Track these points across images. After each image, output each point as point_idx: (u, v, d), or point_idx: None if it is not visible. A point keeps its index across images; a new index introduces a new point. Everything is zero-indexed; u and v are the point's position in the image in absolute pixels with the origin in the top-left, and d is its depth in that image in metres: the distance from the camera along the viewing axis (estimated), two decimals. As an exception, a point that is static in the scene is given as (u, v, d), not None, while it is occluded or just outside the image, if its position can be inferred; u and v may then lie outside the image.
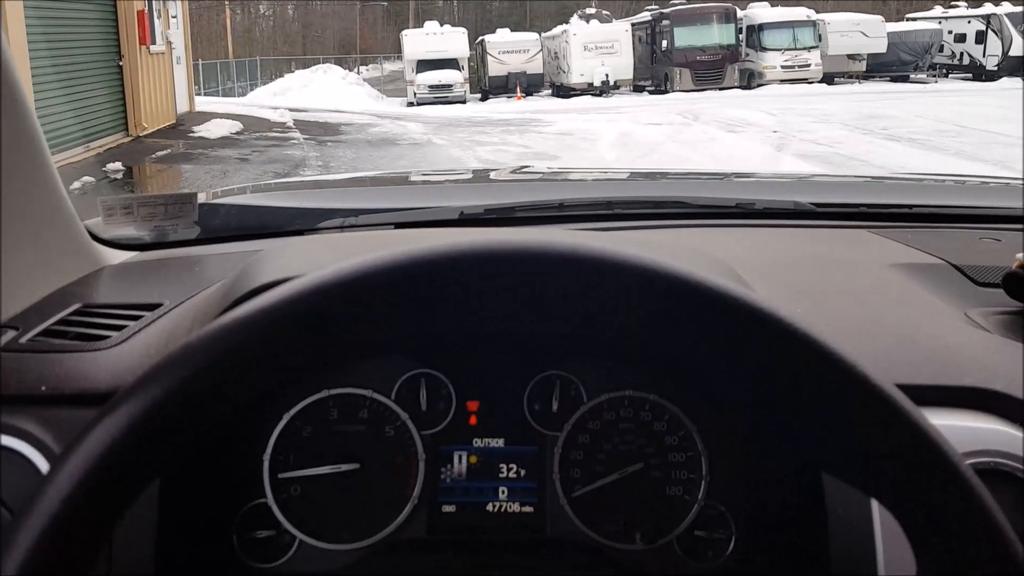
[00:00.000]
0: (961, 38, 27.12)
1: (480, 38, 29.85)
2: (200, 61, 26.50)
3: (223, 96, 26.34)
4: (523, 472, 0.91)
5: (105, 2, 12.67)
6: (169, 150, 12.25)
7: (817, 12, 27.07)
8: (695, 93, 23.78)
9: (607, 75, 25.55)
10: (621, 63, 25.99)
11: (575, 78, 25.71)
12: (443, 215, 1.32)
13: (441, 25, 29.90)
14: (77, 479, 0.44)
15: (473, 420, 0.92)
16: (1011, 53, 25.31)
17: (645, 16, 28.57)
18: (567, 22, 28.70)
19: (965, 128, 13.16)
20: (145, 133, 13.19)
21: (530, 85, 27.44)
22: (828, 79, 25.38)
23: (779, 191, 1.57)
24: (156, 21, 14.06)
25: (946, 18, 28.29)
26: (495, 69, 27.64)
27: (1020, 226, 1.29)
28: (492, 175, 1.96)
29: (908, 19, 30.19)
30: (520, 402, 0.92)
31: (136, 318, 0.94)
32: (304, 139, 13.75)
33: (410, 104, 25.62)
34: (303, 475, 0.89)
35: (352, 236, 1.24)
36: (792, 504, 0.81)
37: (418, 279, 0.48)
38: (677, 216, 1.34)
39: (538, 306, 0.51)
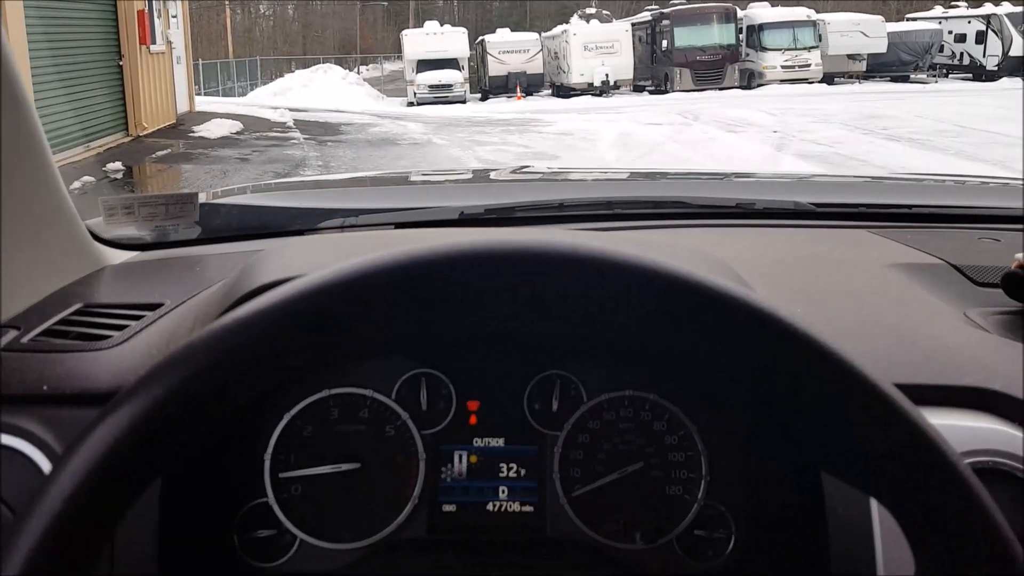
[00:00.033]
0: (961, 38, 27.12)
1: (480, 38, 29.85)
2: (200, 61, 26.51)
3: (223, 96, 26.34)
4: (523, 472, 0.92)
5: (105, 2, 12.67)
6: (169, 150, 12.25)
7: (817, 12, 27.06)
8: (695, 93, 23.77)
9: (607, 75, 25.54)
10: (621, 63, 25.98)
11: (575, 78, 25.70)
12: (443, 215, 1.32)
13: (441, 25, 29.88)
14: (79, 479, 0.44)
15: (473, 420, 0.92)
16: (1011, 53, 25.31)
17: (645, 16, 28.56)
18: (567, 22, 28.69)
19: (965, 128, 13.16)
20: (145, 133, 13.19)
21: (530, 85, 27.43)
22: (828, 79, 25.38)
23: (779, 191, 1.57)
24: (156, 21, 14.06)
25: (946, 18, 28.28)
26: (495, 69, 27.63)
27: (1019, 226, 1.29)
28: (492, 175, 1.96)
29: (908, 19, 30.18)
30: (520, 402, 0.92)
31: (137, 318, 0.94)
32: (304, 139, 13.75)
33: (410, 104, 25.61)
34: (304, 475, 0.89)
35: (352, 236, 1.24)
36: (792, 504, 0.81)
37: (419, 279, 0.49)
38: (677, 216, 1.35)
39: (538, 306, 0.51)
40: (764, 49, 25.54)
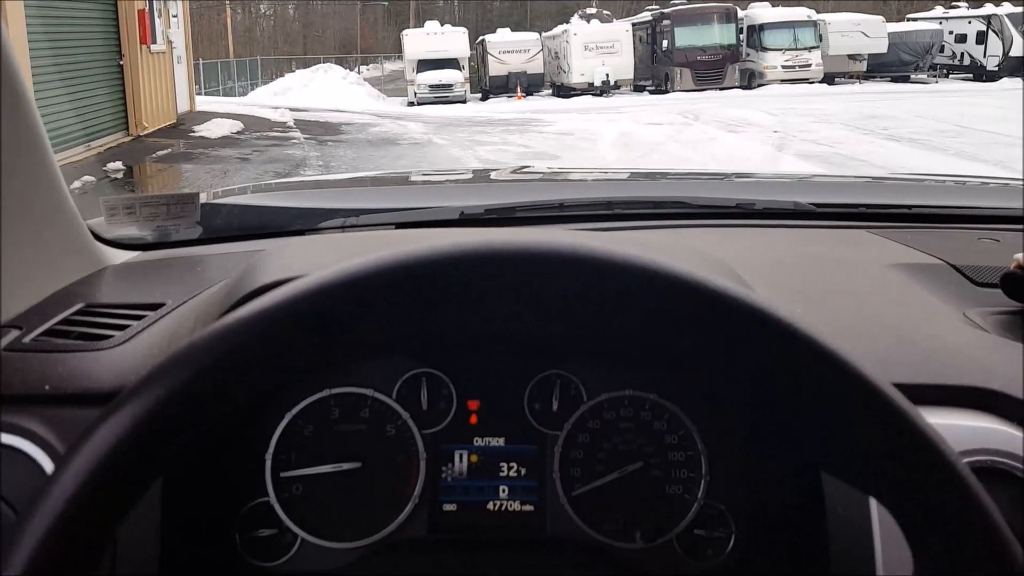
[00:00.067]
0: (962, 38, 27.11)
1: (480, 38, 29.84)
2: (201, 60, 26.49)
3: (224, 96, 26.34)
4: (523, 471, 0.92)
5: (106, 1, 12.67)
6: (170, 149, 12.25)
7: (818, 12, 27.05)
8: (696, 93, 23.77)
9: (607, 75, 25.54)
10: (622, 63, 25.98)
11: (576, 78, 25.70)
12: (444, 215, 1.32)
13: (442, 25, 29.86)
14: (82, 478, 0.44)
15: (474, 419, 0.92)
16: (1012, 53, 25.30)
17: (646, 16, 28.56)
18: (568, 22, 28.70)
19: (966, 128, 13.16)
20: (146, 132, 13.19)
21: (530, 85, 27.43)
22: (829, 79, 25.37)
23: (779, 191, 1.57)
24: (157, 20, 14.06)
25: (947, 18, 28.27)
26: (495, 69, 27.63)
27: (1019, 226, 1.29)
28: (492, 175, 1.97)
29: (909, 19, 30.17)
30: (520, 401, 0.93)
31: (139, 318, 0.94)
32: (305, 139, 13.75)
33: (410, 104, 25.60)
34: (305, 474, 0.89)
35: (353, 236, 1.24)
36: (791, 503, 0.82)
37: (420, 279, 0.49)
38: (677, 216, 1.35)
39: (538, 306, 0.51)
40: (765, 49, 25.54)
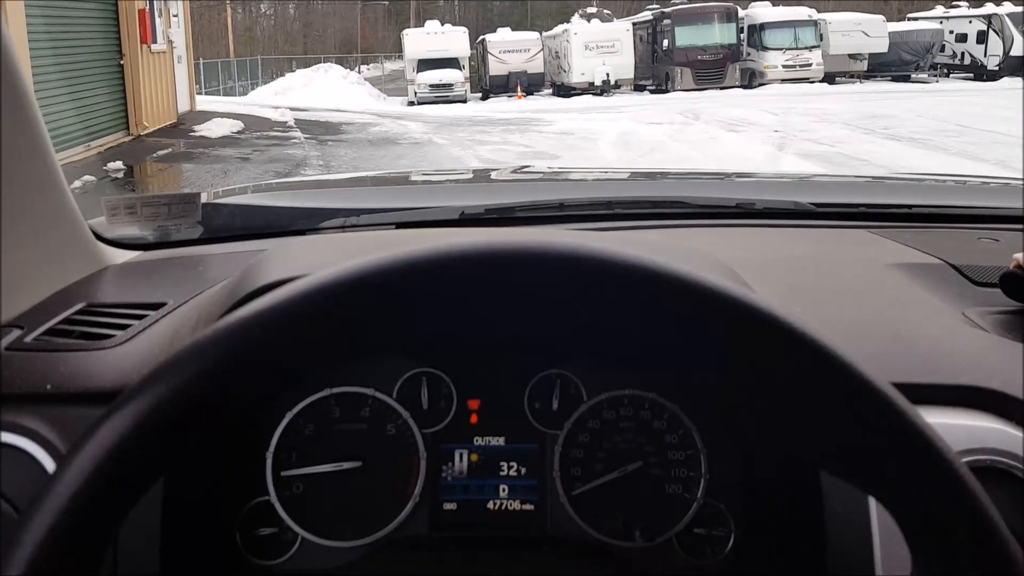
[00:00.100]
0: (962, 38, 27.09)
1: (481, 37, 29.83)
2: (201, 60, 26.47)
3: (224, 95, 26.32)
4: (523, 470, 0.92)
5: (106, 1, 12.67)
6: (170, 149, 12.25)
7: (818, 12, 27.04)
8: (696, 92, 23.75)
9: (608, 74, 25.53)
10: (622, 62, 25.97)
11: (576, 77, 25.69)
12: (444, 215, 1.32)
13: (442, 24, 29.86)
14: (84, 477, 0.44)
15: (474, 418, 0.93)
16: (1012, 53, 25.28)
17: (646, 15, 28.55)
18: (568, 21, 28.70)
19: (966, 128, 13.15)
20: (146, 132, 13.18)
21: (531, 84, 27.42)
22: (829, 79, 25.36)
23: (779, 191, 1.57)
24: (157, 20, 14.05)
25: (947, 18, 28.25)
26: (496, 68, 27.61)
27: (1019, 226, 1.29)
28: (493, 175, 1.97)
29: (909, 19, 30.15)
30: (520, 401, 0.93)
31: (140, 317, 0.94)
32: (305, 138, 13.74)
33: (411, 103, 25.59)
34: (305, 473, 0.89)
35: (354, 236, 1.25)
36: (791, 503, 0.82)
37: (420, 279, 0.49)
38: (677, 216, 1.35)
39: (539, 306, 0.51)
40: (765, 48, 25.53)
